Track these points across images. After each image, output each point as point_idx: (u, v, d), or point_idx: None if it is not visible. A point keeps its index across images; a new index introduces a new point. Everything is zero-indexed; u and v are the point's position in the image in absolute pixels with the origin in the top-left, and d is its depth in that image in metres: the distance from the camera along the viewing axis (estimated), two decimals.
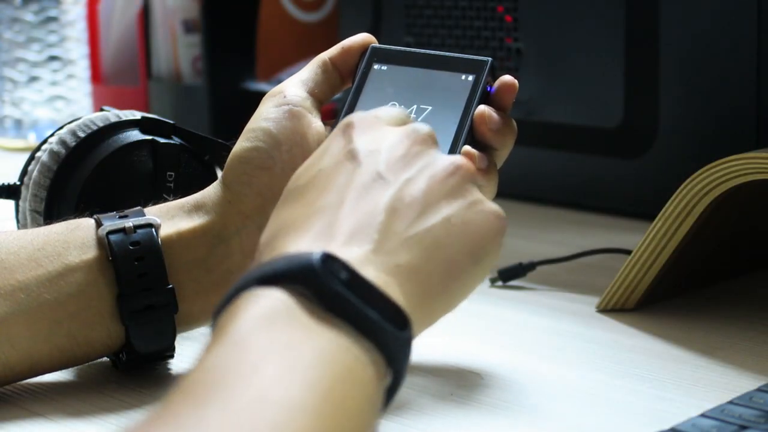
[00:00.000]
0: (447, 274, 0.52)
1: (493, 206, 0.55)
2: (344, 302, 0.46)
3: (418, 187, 0.53)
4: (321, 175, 0.54)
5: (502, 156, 0.67)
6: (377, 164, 0.54)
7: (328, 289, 0.46)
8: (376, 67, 0.69)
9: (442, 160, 0.55)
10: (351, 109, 0.68)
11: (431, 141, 0.56)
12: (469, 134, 0.66)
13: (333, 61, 0.69)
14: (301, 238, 0.50)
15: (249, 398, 0.40)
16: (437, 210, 0.53)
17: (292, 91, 0.67)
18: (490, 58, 0.67)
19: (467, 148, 0.65)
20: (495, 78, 0.67)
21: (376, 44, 0.70)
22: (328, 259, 0.47)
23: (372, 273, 0.49)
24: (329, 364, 0.44)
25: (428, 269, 0.52)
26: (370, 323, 0.47)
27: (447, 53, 0.69)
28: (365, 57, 0.69)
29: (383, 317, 0.47)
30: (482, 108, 0.66)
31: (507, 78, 0.67)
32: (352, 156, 0.54)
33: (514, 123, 0.67)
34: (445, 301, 0.53)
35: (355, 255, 0.50)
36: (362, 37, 0.70)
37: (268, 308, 0.45)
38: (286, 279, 0.47)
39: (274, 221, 0.53)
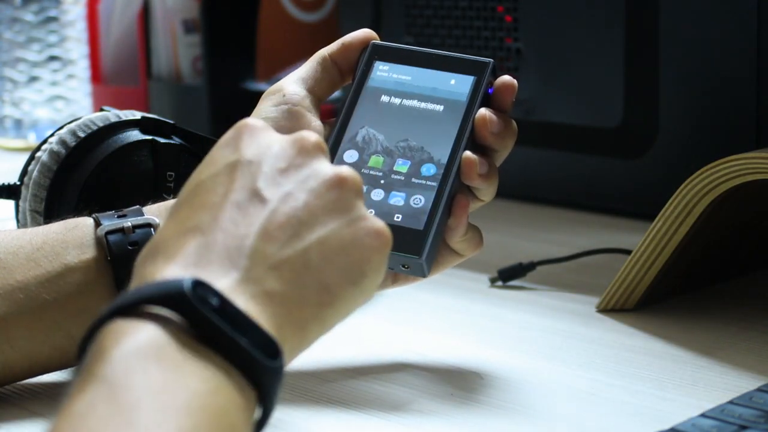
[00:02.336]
0: (320, 301, 0.50)
1: (375, 223, 0.52)
2: (215, 329, 0.45)
3: (295, 204, 0.51)
4: (199, 190, 0.52)
5: (501, 157, 0.67)
6: (255, 179, 0.51)
7: (199, 316, 0.45)
8: (376, 64, 0.69)
9: (325, 173, 0.52)
10: (351, 109, 0.68)
11: (318, 150, 0.54)
12: (469, 137, 0.66)
13: (333, 58, 0.69)
14: (172, 264, 0.48)
15: None
16: (312, 229, 0.51)
17: (291, 89, 0.67)
18: (491, 60, 0.67)
19: (468, 153, 0.65)
20: (496, 78, 0.67)
21: (377, 41, 0.69)
22: (199, 286, 0.46)
23: (242, 302, 0.48)
24: (201, 410, 0.42)
25: (299, 296, 0.50)
26: (241, 352, 0.45)
27: (448, 53, 0.68)
28: (366, 54, 0.69)
29: (254, 345, 0.46)
30: (483, 111, 0.66)
31: (506, 78, 0.67)
32: (231, 168, 0.52)
33: (515, 124, 0.67)
34: (319, 326, 0.51)
35: (224, 284, 0.48)
36: (363, 33, 0.69)
37: (138, 345, 0.44)
38: (156, 304, 0.45)
39: (150, 241, 0.51)
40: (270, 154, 0.52)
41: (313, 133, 0.54)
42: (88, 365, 0.44)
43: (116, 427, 0.40)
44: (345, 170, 0.53)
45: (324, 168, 0.53)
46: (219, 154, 0.53)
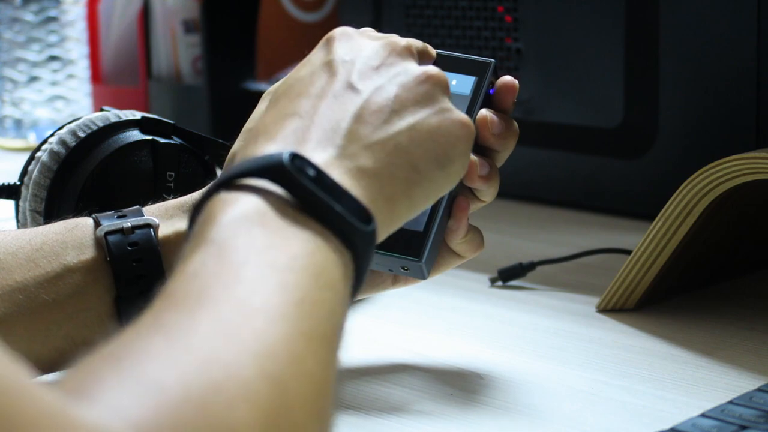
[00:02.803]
0: (409, 178, 0.55)
1: (460, 115, 0.57)
2: (312, 196, 0.49)
3: (387, 94, 0.56)
4: (297, 84, 0.57)
5: (503, 157, 0.67)
6: (350, 74, 0.57)
7: (297, 184, 0.49)
8: None
9: (414, 69, 0.58)
10: None
11: (407, 53, 0.59)
12: None
13: None
14: (271, 142, 0.53)
15: (232, 306, 0.42)
16: (403, 117, 0.56)
17: None
18: (493, 60, 0.67)
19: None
20: (497, 79, 0.67)
21: None
22: (296, 158, 0.50)
23: (336, 174, 0.52)
24: (303, 268, 0.46)
25: (390, 173, 0.54)
26: (337, 217, 0.49)
27: (450, 53, 0.68)
28: None
29: (348, 211, 0.50)
30: (484, 112, 0.65)
31: (507, 78, 0.67)
32: (328, 66, 0.57)
33: (516, 125, 0.66)
34: (407, 205, 0.55)
35: (321, 158, 0.52)
36: None
37: (243, 211, 0.47)
38: (257, 176, 0.49)
39: (248, 127, 0.56)
40: (363, 54, 0.58)
41: (402, 38, 0.60)
42: (198, 231, 0.47)
43: (225, 282, 0.44)
44: (432, 69, 0.58)
45: (413, 66, 0.58)
46: (315, 56, 0.59)
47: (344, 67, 0.57)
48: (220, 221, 0.47)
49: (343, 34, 0.60)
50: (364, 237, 0.50)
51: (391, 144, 0.55)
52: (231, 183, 0.49)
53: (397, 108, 0.56)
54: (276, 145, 0.53)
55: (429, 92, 0.57)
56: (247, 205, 0.48)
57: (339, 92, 0.56)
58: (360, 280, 0.51)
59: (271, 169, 0.49)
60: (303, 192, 0.49)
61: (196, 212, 0.50)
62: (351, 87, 0.56)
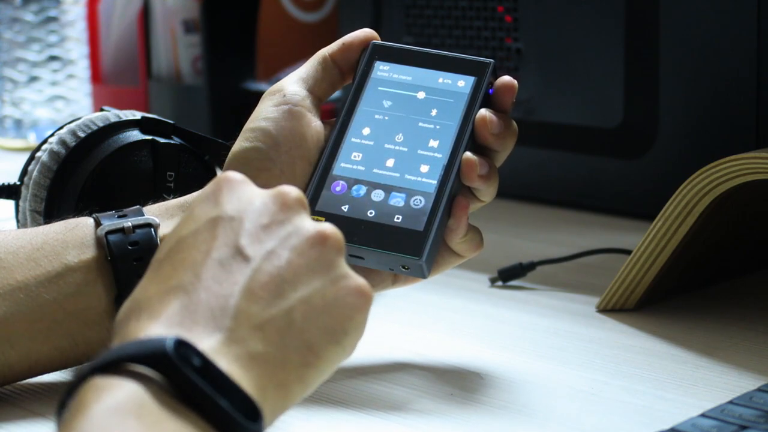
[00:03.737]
0: (303, 359, 0.50)
1: (358, 281, 0.52)
2: (196, 390, 0.45)
3: (279, 262, 0.50)
4: (180, 246, 0.51)
5: (502, 157, 0.67)
6: (237, 236, 0.51)
7: (181, 376, 0.45)
8: (377, 64, 0.69)
9: (307, 230, 0.52)
10: (351, 109, 0.68)
11: (299, 205, 0.53)
12: (470, 138, 0.66)
13: (333, 58, 0.68)
14: (155, 322, 0.48)
15: None
16: (296, 288, 0.50)
17: (291, 89, 0.67)
18: (492, 60, 0.67)
19: (468, 154, 0.65)
20: (496, 79, 0.67)
21: (378, 41, 0.69)
22: (182, 346, 0.46)
23: (224, 363, 0.47)
24: None
25: (283, 357, 0.49)
26: (221, 414, 0.45)
27: (449, 53, 0.68)
28: (366, 54, 0.69)
29: (235, 408, 0.46)
30: (483, 112, 0.66)
31: (506, 78, 0.67)
32: (213, 225, 0.51)
33: (515, 124, 0.67)
34: (301, 386, 0.51)
35: (208, 344, 0.48)
36: (364, 33, 0.69)
37: (118, 401, 0.44)
38: (138, 362, 0.45)
39: (132, 297, 0.51)
40: (251, 210, 0.52)
41: (293, 188, 0.54)
42: (68, 421, 0.44)
43: None
44: (327, 227, 0.52)
45: (306, 225, 0.52)
46: (199, 210, 0.52)
47: (231, 227, 0.51)
48: (92, 411, 0.43)
49: (230, 182, 0.53)
50: None
51: (283, 322, 0.49)
52: (109, 367, 0.45)
53: (290, 277, 0.50)
54: (160, 327, 0.48)
55: (324, 256, 0.51)
56: (124, 393, 0.44)
57: (225, 260, 0.50)
58: None
59: (153, 356, 0.45)
60: (187, 384, 0.45)
61: (67, 395, 0.45)
62: (239, 253, 0.50)
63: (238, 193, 0.53)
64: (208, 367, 0.46)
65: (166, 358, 0.45)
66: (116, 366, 0.45)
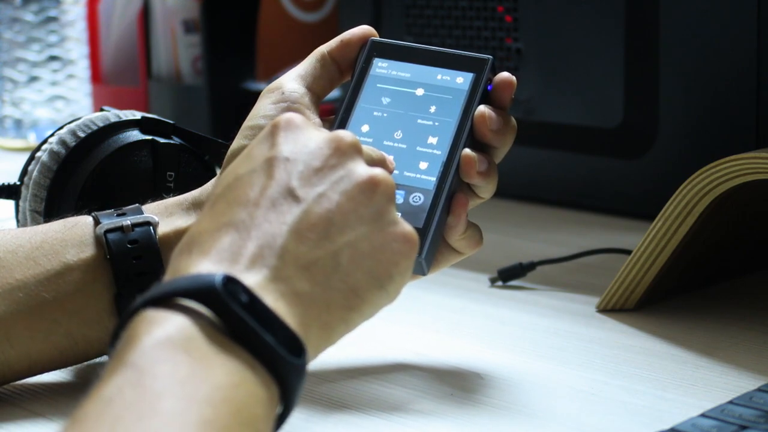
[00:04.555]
0: (347, 302, 0.51)
1: (405, 228, 0.54)
2: (243, 325, 0.47)
3: (328, 205, 0.52)
4: (236, 184, 0.53)
5: (501, 153, 0.67)
6: (290, 177, 0.52)
7: (228, 311, 0.47)
8: (375, 61, 0.69)
9: (360, 175, 0.53)
10: (350, 106, 0.68)
11: (353, 150, 0.54)
12: (469, 135, 0.66)
13: (332, 55, 0.68)
14: (205, 258, 0.50)
15: None
16: (344, 232, 0.52)
17: (290, 86, 0.67)
18: (490, 56, 0.67)
19: (467, 150, 0.65)
20: (495, 75, 0.67)
21: (376, 37, 0.69)
22: (230, 282, 0.47)
23: (270, 300, 0.49)
24: (224, 402, 0.44)
25: (327, 299, 0.51)
26: (267, 348, 0.47)
27: (447, 50, 0.68)
28: (365, 51, 0.69)
29: (279, 343, 0.47)
30: (482, 108, 0.66)
31: (505, 75, 0.67)
32: (268, 165, 0.53)
33: (514, 121, 0.67)
34: (344, 327, 0.52)
35: (255, 280, 0.49)
36: (362, 30, 0.69)
37: (168, 334, 0.45)
38: (187, 296, 0.47)
39: (188, 233, 0.52)
40: (306, 152, 0.53)
41: (348, 133, 0.55)
42: (120, 351, 0.45)
43: (141, 412, 0.42)
44: (379, 173, 0.54)
45: (358, 169, 0.54)
46: (257, 150, 0.54)
47: (285, 168, 0.53)
48: (144, 344, 0.45)
49: (288, 123, 0.55)
50: (294, 370, 0.48)
51: (329, 265, 0.51)
52: (160, 301, 0.47)
53: (339, 221, 0.52)
54: (209, 262, 0.50)
55: (373, 202, 0.53)
56: (174, 327, 0.46)
57: (277, 200, 0.52)
58: (287, 412, 0.49)
59: (202, 291, 0.47)
60: (234, 319, 0.47)
61: (119, 328, 0.47)
62: (290, 194, 0.52)
63: (295, 135, 0.54)
64: (254, 303, 0.48)
65: (215, 294, 0.47)
66: (167, 300, 0.47)
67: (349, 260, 0.52)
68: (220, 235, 0.51)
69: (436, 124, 0.66)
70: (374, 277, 0.52)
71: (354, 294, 0.52)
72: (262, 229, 0.51)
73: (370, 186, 0.53)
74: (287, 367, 0.47)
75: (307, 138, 0.54)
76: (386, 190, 0.54)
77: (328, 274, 0.51)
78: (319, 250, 0.51)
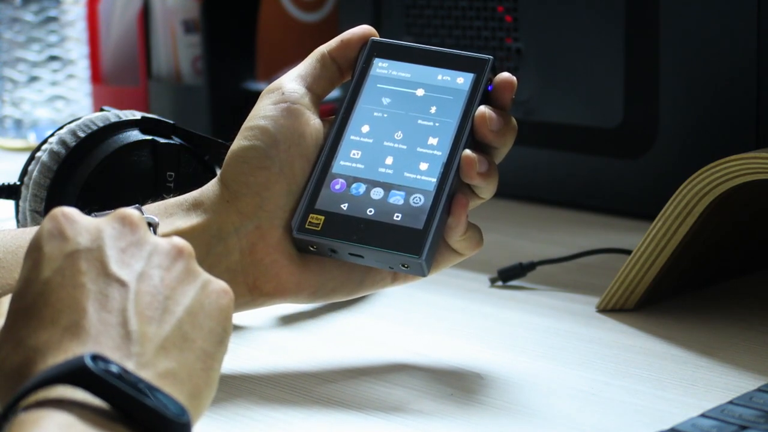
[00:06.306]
0: (204, 365, 0.51)
1: (220, 283, 0.53)
2: (121, 395, 0.45)
3: (153, 281, 0.51)
4: (49, 289, 0.49)
5: (501, 154, 0.67)
6: (105, 265, 0.50)
7: (103, 384, 0.45)
8: (375, 61, 0.68)
9: (164, 246, 0.52)
10: (350, 106, 0.68)
11: (141, 221, 0.53)
12: (469, 135, 0.66)
13: (332, 55, 0.68)
14: (63, 358, 0.47)
15: None
16: (178, 302, 0.51)
17: (290, 87, 0.67)
18: (491, 57, 0.67)
19: (467, 151, 0.65)
20: (495, 75, 0.67)
21: (377, 37, 0.69)
22: (98, 358, 0.45)
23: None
24: None
25: (188, 369, 0.50)
26: (149, 413, 0.45)
27: (448, 50, 0.68)
28: (365, 51, 0.69)
29: (162, 405, 0.46)
30: (482, 109, 0.65)
31: (505, 75, 0.67)
32: (73, 259, 0.50)
33: (514, 121, 0.66)
34: (209, 390, 0.51)
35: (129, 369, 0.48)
36: (362, 30, 0.69)
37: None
38: (57, 382, 0.45)
39: (17, 350, 0.48)
40: (105, 237, 0.51)
41: (130, 208, 0.54)
42: None
43: None
44: (177, 240, 0.53)
45: (159, 241, 0.53)
46: (50, 249, 0.51)
47: (94, 258, 0.50)
48: None
49: (66, 216, 0.51)
50: (182, 429, 0.46)
51: (178, 337, 0.50)
52: (28, 399, 0.44)
53: (168, 293, 0.51)
54: (66, 356, 0.47)
55: (187, 267, 0.52)
56: (50, 425, 0.43)
57: (104, 289, 0.49)
58: None
59: (73, 373, 0.44)
60: (111, 391, 0.44)
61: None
62: (115, 280, 0.50)
63: (82, 224, 0.52)
64: (127, 375, 0.46)
65: (87, 371, 0.44)
66: (36, 396, 0.44)
67: (192, 327, 0.51)
68: (69, 338, 0.48)
69: (437, 124, 0.66)
70: (214, 335, 0.51)
71: (206, 356, 0.51)
72: (106, 321, 0.49)
73: (178, 253, 0.52)
74: (174, 426, 0.45)
75: (96, 223, 0.52)
76: (190, 252, 0.53)
77: (181, 346, 0.50)
78: (166, 325, 0.50)
